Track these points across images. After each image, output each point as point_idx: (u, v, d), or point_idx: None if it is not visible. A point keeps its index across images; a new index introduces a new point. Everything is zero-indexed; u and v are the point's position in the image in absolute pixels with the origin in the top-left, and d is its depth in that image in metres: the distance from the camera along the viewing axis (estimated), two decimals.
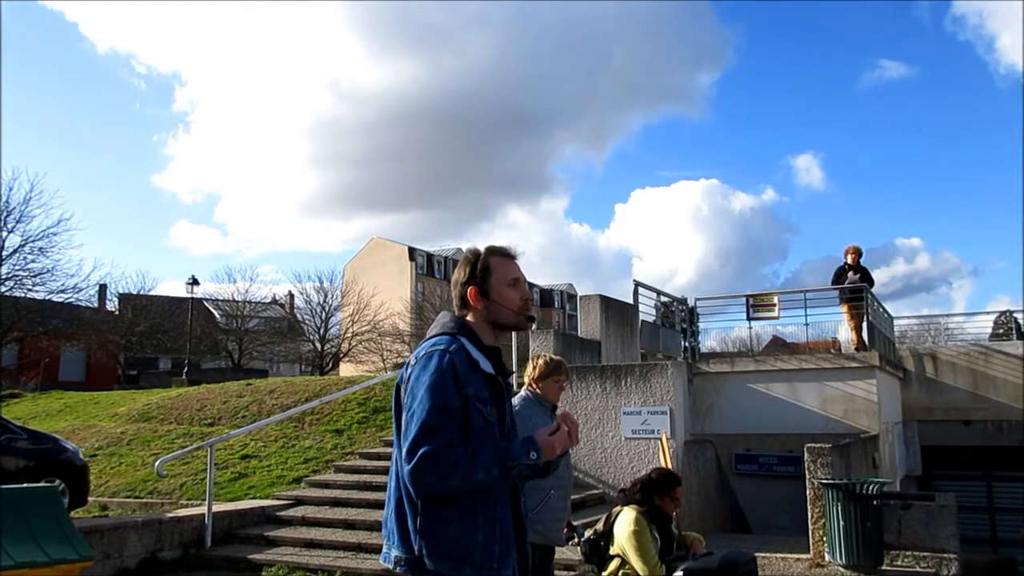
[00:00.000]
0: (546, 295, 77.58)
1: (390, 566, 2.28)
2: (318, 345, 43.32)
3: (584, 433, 10.24)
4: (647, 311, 12.74)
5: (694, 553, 5.32)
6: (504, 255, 2.50)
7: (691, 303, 13.90)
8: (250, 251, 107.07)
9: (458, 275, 2.50)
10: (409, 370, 2.33)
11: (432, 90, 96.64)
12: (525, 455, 2.19)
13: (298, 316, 47.55)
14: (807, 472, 8.11)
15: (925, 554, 7.58)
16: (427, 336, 2.44)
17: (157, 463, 8.77)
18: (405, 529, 2.24)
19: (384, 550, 2.34)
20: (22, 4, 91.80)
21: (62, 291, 26.91)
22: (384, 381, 13.86)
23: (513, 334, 11.62)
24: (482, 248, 2.53)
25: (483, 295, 2.44)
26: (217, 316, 45.17)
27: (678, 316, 13.64)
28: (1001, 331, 19.83)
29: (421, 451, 2.14)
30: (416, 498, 2.22)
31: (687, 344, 13.70)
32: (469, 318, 2.47)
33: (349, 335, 43.42)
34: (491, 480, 2.16)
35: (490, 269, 2.45)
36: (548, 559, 4.36)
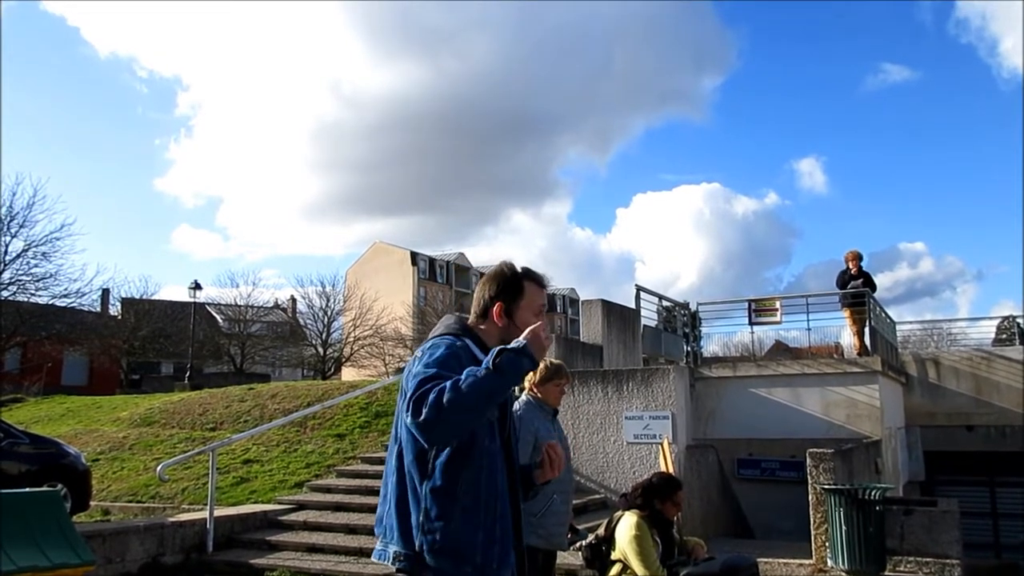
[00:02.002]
0: (548, 299, 77.52)
1: (387, 562, 2.28)
2: (320, 349, 43.31)
3: (586, 438, 10.24)
4: (649, 316, 12.73)
5: (695, 558, 5.31)
6: (538, 282, 2.53)
7: (693, 308, 13.90)
8: (252, 255, 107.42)
9: (487, 286, 2.51)
10: (414, 362, 2.33)
11: (434, 93, 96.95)
12: (507, 346, 2.12)
13: (300, 320, 47.57)
14: (809, 477, 8.10)
15: (928, 560, 7.56)
16: (431, 335, 2.46)
17: (159, 468, 8.78)
18: (407, 525, 2.24)
19: (379, 547, 2.33)
20: (23, 9, 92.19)
21: (65, 296, 27.02)
22: (386, 386, 13.87)
23: None
24: (518, 267, 2.54)
25: (507, 314, 2.46)
26: (219, 320, 45.25)
27: (680, 321, 13.63)
28: (1004, 336, 19.79)
29: (417, 393, 2.09)
30: (428, 446, 2.19)
31: (689, 349, 13.69)
32: (482, 327, 2.48)
33: (351, 339, 43.43)
34: (481, 382, 2.04)
35: (523, 292, 2.48)
36: (551, 563, 4.36)
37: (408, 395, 2.14)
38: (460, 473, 2.23)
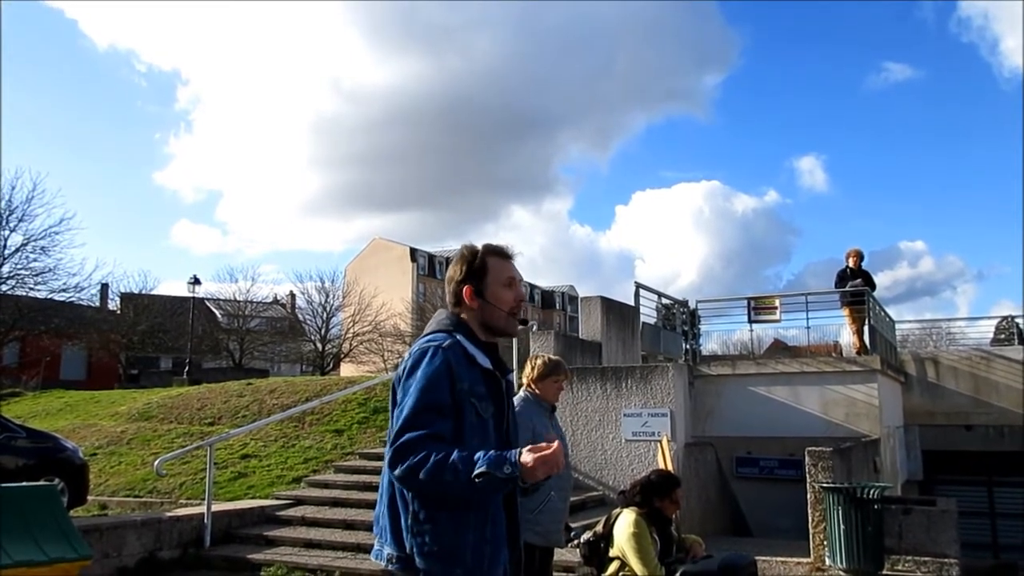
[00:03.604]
0: (547, 296, 77.55)
1: (383, 563, 2.28)
2: (319, 345, 43.35)
3: (584, 435, 10.23)
4: (648, 313, 12.72)
5: (694, 556, 5.29)
6: (501, 255, 2.49)
7: (692, 305, 13.89)
8: (251, 250, 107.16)
9: (453, 272, 2.48)
10: (403, 367, 2.31)
11: (435, 89, 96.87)
12: (497, 468, 2.02)
13: (299, 316, 47.58)
14: (808, 476, 8.09)
15: (926, 559, 7.56)
16: (424, 333, 2.43)
17: (157, 462, 8.76)
18: (398, 526, 2.24)
19: (376, 547, 2.33)
20: (21, 2, 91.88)
21: (64, 290, 27.01)
22: (384, 381, 13.85)
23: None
24: (479, 246, 2.51)
25: (478, 295, 2.43)
26: (218, 316, 45.22)
27: (679, 318, 13.62)
28: (1003, 336, 19.74)
29: (400, 441, 2.12)
30: (402, 491, 2.20)
31: (688, 346, 13.68)
32: (463, 316, 2.46)
33: (350, 335, 43.47)
34: (458, 484, 2.04)
35: (487, 268, 2.44)
36: (548, 561, 4.35)
37: (395, 427, 2.16)
38: None
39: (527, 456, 2.04)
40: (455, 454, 2.06)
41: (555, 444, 2.09)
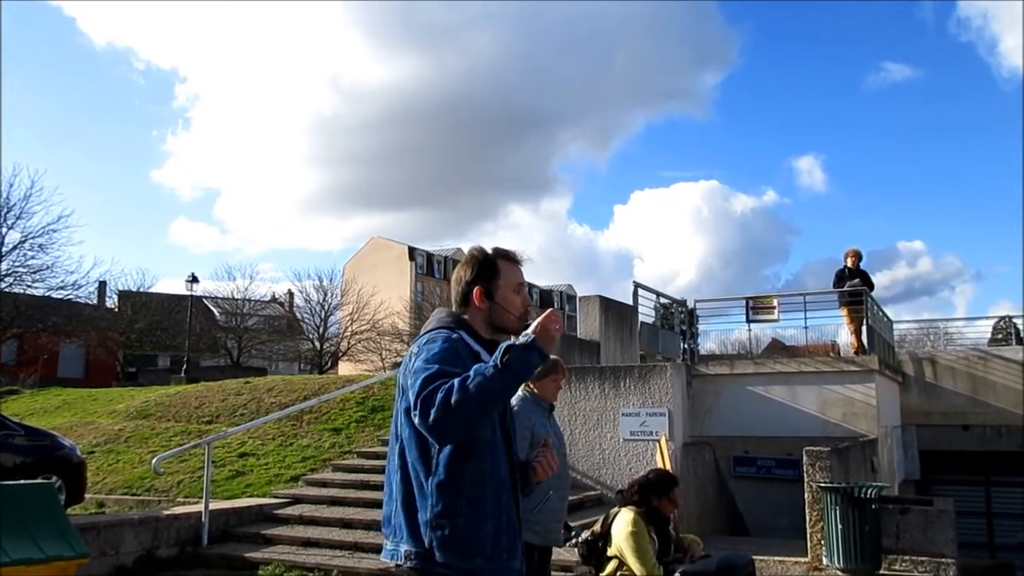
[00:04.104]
0: (546, 296, 77.48)
1: (399, 562, 2.28)
2: (317, 344, 43.30)
3: (582, 434, 10.24)
4: (646, 313, 12.72)
5: (691, 555, 5.30)
6: (512, 259, 2.53)
7: (691, 305, 13.89)
8: (250, 249, 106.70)
9: (463, 273, 2.50)
10: (412, 359, 2.29)
11: (435, 88, 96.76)
12: (515, 344, 2.09)
13: (297, 315, 47.53)
14: (805, 475, 8.10)
15: (923, 559, 7.57)
16: (423, 331, 2.43)
17: (154, 460, 8.76)
18: (415, 523, 2.24)
19: (389, 547, 2.33)
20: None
21: (62, 288, 26.99)
22: (383, 380, 13.85)
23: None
24: (488, 248, 2.53)
25: (488, 296, 2.45)
26: (216, 314, 45.13)
27: (677, 318, 13.62)
28: (1000, 336, 19.76)
29: (421, 395, 2.07)
30: (439, 445, 2.19)
31: (686, 346, 13.68)
32: (466, 316, 2.47)
33: (348, 334, 43.42)
34: (490, 381, 2.01)
35: (498, 271, 2.47)
36: (546, 560, 4.35)
37: (413, 394, 2.11)
38: (464, 467, 2.22)
39: (533, 325, 2.17)
40: (472, 368, 2.08)
41: (549, 310, 2.24)
